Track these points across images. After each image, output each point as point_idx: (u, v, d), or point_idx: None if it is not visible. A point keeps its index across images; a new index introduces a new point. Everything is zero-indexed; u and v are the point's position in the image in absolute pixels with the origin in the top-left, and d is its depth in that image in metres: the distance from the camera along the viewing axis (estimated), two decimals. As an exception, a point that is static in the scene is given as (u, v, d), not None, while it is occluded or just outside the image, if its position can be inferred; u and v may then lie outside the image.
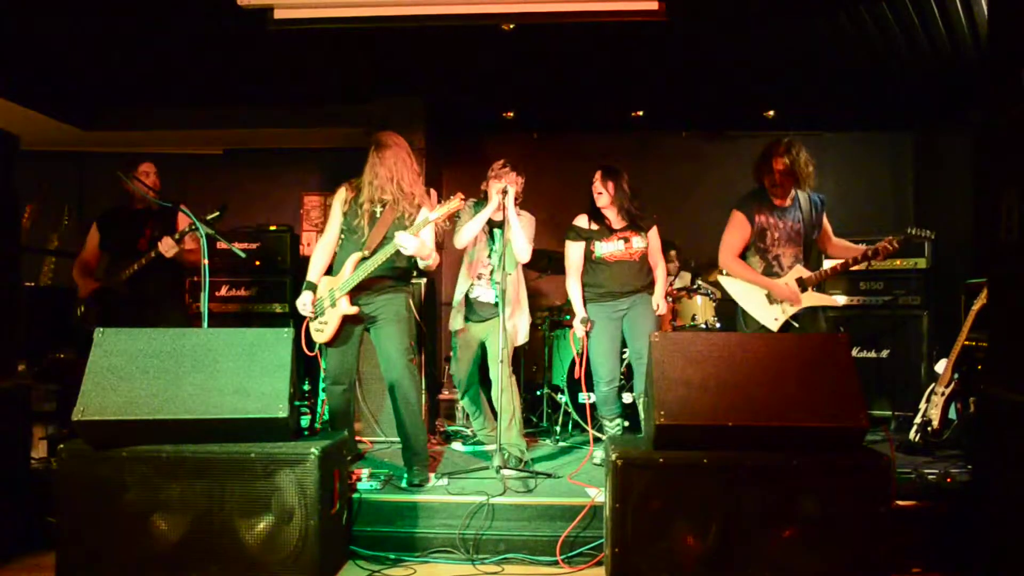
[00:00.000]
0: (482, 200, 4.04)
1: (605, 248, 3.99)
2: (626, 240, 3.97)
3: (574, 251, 4.06)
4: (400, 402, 3.55)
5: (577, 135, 6.15)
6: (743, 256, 3.85)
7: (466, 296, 4.06)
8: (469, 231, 3.92)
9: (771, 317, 3.75)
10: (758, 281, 3.78)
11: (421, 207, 3.60)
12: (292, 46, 4.33)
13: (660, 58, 4.56)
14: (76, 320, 3.95)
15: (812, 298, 3.76)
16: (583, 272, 4.07)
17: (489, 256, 4.04)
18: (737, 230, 3.82)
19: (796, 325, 3.74)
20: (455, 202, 3.47)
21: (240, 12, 3.75)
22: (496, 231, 3.99)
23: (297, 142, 6.15)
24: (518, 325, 4.08)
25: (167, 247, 3.78)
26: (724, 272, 3.92)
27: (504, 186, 3.81)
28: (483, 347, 4.15)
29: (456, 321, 4.09)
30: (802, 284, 3.75)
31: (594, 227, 4.02)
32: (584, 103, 5.58)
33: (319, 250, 3.68)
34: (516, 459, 3.92)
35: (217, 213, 3.71)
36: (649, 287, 4.05)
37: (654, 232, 4.06)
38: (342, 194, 3.67)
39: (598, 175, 4.00)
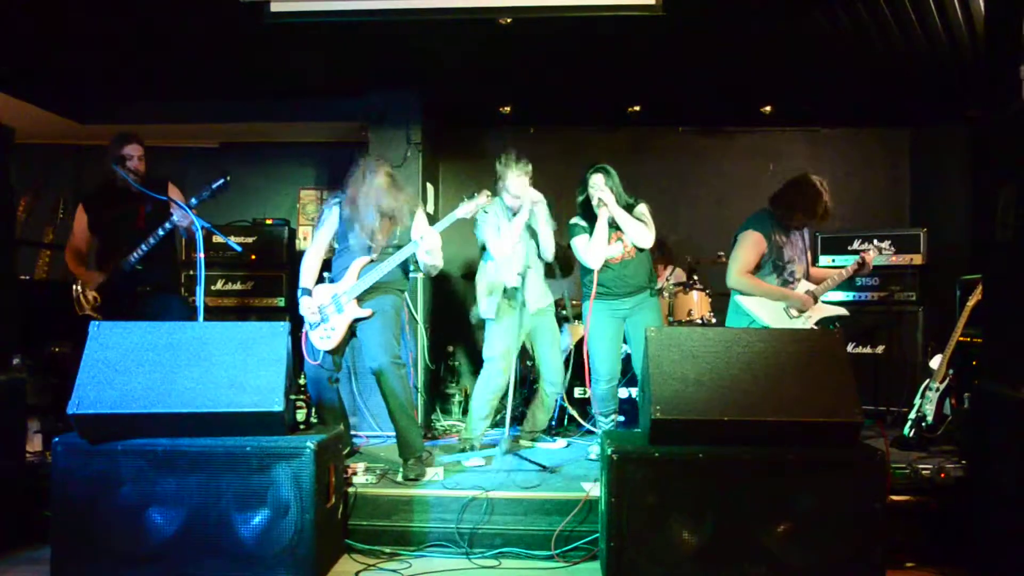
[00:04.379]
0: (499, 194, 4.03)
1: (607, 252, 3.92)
2: (621, 240, 3.92)
3: (582, 243, 3.94)
4: (387, 394, 3.56)
5: (574, 130, 6.13)
6: (757, 275, 3.87)
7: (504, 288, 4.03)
8: (508, 241, 3.89)
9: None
10: (774, 292, 3.83)
11: (415, 214, 3.74)
12: (289, 40, 4.31)
13: (657, 53, 4.56)
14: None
15: (823, 309, 3.88)
16: (585, 271, 3.98)
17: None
18: (753, 249, 3.83)
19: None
20: (482, 196, 3.56)
21: (237, 5, 3.74)
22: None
23: (293, 136, 6.13)
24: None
25: (181, 216, 3.63)
26: (738, 292, 3.90)
27: (540, 198, 3.91)
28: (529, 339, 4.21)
29: (492, 310, 4.05)
30: (811, 295, 3.87)
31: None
32: (581, 98, 5.57)
33: (312, 258, 3.71)
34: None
35: (222, 181, 3.55)
36: (654, 286, 4.03)
37: (642, 209, 3.94)
38: (335, 211, 3.71)
39: (597, 179, 3.90)
